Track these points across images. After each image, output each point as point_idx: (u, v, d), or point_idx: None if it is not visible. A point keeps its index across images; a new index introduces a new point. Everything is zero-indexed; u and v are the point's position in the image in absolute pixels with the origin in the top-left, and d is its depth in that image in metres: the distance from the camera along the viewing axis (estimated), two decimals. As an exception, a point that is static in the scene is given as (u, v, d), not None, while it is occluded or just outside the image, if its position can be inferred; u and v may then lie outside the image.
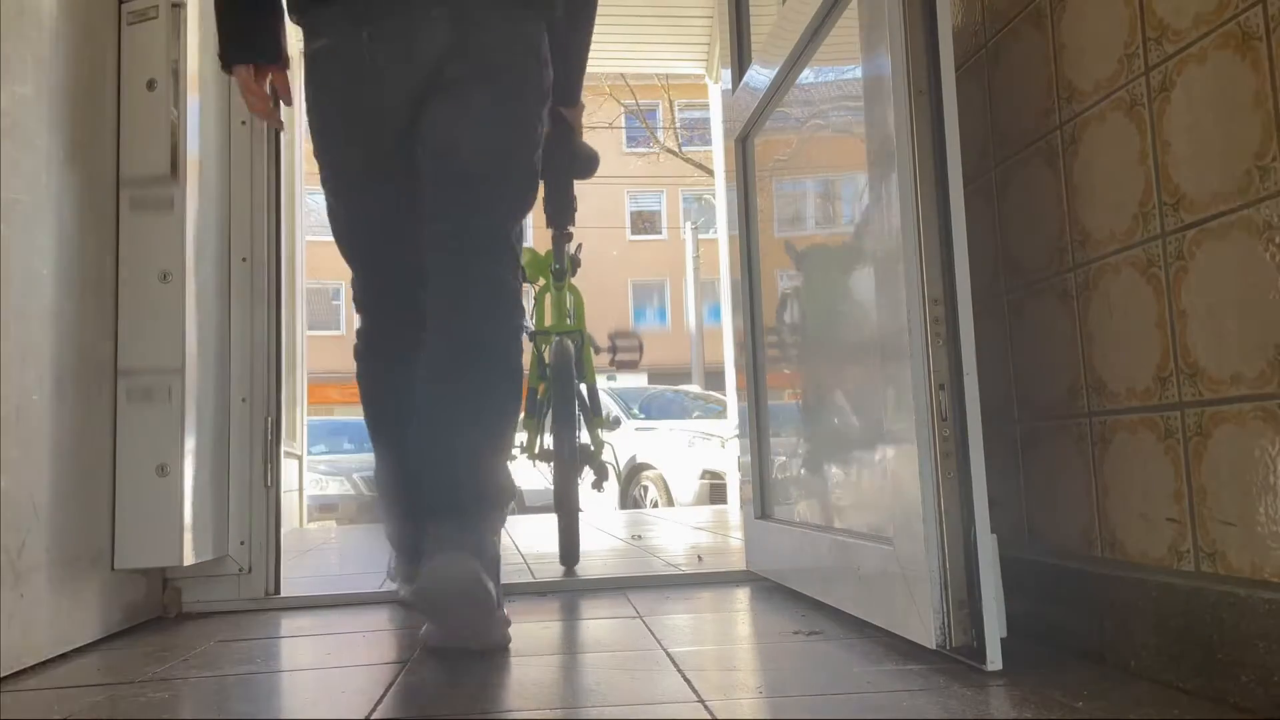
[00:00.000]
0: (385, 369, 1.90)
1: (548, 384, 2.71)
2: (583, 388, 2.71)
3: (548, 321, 2.79)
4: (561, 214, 2.54)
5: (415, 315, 1.75)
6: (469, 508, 1.56)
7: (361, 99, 1.71)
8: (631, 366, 3.11)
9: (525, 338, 2.41)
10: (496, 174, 1.73)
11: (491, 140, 1.71)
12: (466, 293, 1.69)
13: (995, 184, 1.63)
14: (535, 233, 2.60)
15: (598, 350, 2.90)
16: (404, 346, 1.79)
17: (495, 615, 1.55)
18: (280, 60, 1.83)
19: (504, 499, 1.65)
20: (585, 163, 2.33)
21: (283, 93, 1.88)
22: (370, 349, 1.92)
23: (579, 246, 2.81)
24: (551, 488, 2.61)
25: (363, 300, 1.92)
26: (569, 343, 2.66)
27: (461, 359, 1.67)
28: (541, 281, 2.81)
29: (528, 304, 2.71)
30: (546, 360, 2.75)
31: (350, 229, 1.85)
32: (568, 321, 2.76)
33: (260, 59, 1.80)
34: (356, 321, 1.97)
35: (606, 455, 2.82)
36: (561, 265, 2.71)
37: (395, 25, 1.66)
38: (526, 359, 2.52)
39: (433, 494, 1.59)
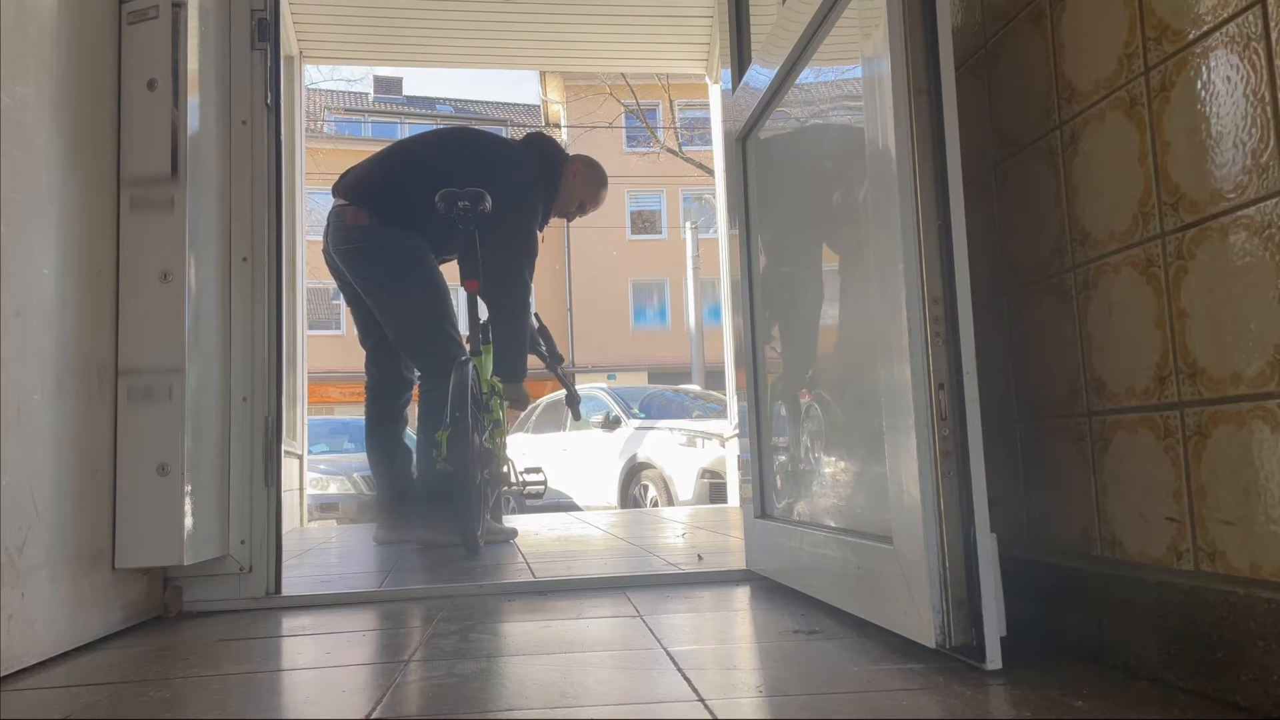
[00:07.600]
0: (373, 400, 3.62)
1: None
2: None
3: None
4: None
5: (386, 366, 3.60)
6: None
7: (337, 271, 3.49)
8: (538, 497, 3.82)
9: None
10: (406, 338, 3.43)
11: (395, 319, 3.41)
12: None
13: (995, 183, 1.63)
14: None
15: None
16: (379, 383, 3.62)
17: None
18: None
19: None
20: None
21: None
22: (367, 387, 3.66)
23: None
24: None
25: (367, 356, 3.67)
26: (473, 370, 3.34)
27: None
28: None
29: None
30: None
31: (356, 326, 3.64)
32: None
33: None
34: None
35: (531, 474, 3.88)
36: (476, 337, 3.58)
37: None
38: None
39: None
